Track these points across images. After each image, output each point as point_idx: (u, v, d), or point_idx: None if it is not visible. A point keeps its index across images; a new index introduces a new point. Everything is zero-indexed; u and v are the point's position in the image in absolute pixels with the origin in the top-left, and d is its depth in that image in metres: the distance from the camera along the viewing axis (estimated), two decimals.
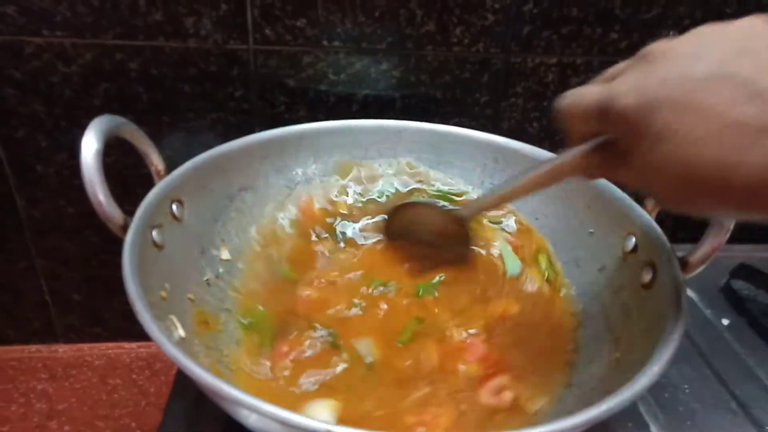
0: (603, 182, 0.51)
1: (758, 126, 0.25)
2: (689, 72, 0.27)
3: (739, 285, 0.62)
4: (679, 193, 0.28)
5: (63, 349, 0.74)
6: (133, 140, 0.45)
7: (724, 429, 0.47)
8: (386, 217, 0.56)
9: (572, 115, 0.34)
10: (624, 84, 0.30)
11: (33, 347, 0.74)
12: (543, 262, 0.53)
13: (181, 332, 0.40)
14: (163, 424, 0.47)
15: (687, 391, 0.51)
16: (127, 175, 0.63)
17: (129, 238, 0.39)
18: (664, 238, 0.44)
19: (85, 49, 0.57)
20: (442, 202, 0.57)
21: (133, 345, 0.74)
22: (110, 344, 0.74)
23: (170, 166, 0.48)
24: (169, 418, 0.47)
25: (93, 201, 0.39)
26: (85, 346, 0.74)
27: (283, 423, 0.28)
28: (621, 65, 0.33)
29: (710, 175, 0.26)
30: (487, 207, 0.51)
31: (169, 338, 0.33)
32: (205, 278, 0.48)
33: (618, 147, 0.32)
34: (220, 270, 0.50)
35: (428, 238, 0.54)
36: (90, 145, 0.39)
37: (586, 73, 0.65)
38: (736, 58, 0.26)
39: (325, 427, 0.27)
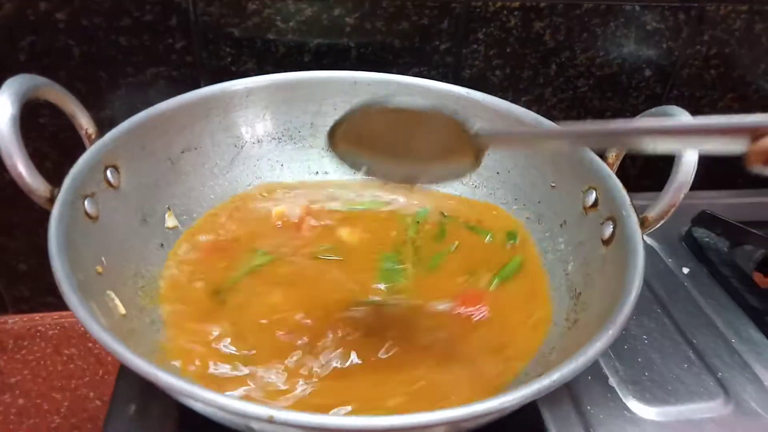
0: None
1: None
2: None
3: (699, 233, 0.62)
4: None
5: (13, 320, 0.71)
6: (57, 102, 0.41)
7: (681, 378, 0.48)
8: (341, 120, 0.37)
9: None
10: None
11: None
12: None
13: (120, 309, 0.38)
14: (115, 395, 0.45)
15: (646, 341, 0.51)
16: (62, 137, 0.59)
17: (56, 212, 0.36)
18: (624, 192, 0.42)
19: None
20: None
21: None
22: (64, 313, 0.71)
23: (111, 127, 0.45)
24: (122, 388, 0.45)
25: (12, 173, 0.36)
26: (37, 316, 0.71)
27: (224, 410, 0.26)
28: None
29: None
30: (516, 142, 0.40)
31: (98, 320, 0.30)
32: (148, 248, 0.45)
33: None
34: (167, 239, 0.47)
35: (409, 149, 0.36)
36: (4, 110, 0.35)
37: (550, 17, 0.62)
38: None
39: (267, 413, 0.26)
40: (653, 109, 0.42)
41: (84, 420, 0.63)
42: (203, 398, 0.26)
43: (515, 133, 0.40)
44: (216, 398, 0.26)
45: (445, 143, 0.35)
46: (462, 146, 0.34)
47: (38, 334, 0.70)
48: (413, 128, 0.35)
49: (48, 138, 0.59)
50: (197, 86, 0.52)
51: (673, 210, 0.39)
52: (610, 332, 0.31)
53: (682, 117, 0.38)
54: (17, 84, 0.37)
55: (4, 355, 0.67)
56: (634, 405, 0.45)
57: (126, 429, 0.42)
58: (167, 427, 0.42)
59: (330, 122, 0.56)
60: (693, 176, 0.38)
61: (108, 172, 0.43)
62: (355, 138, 0.37)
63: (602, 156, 0.46)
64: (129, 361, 0.28)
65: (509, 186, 0.53)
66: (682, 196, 0.38)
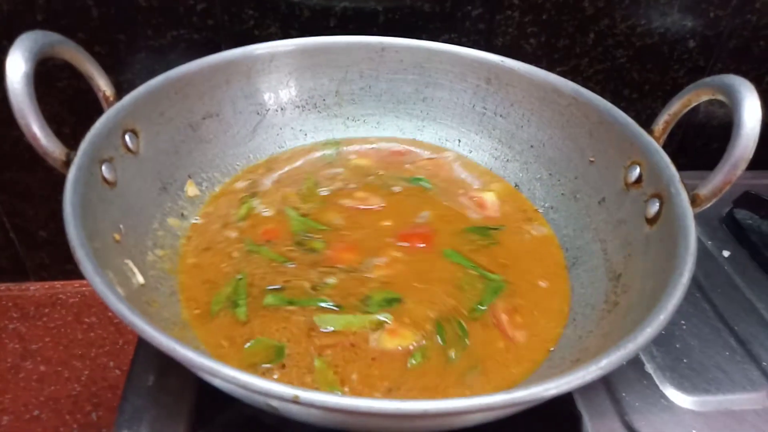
0: (607, 105, 0.46)
1: None
2: None
3: (742, 215, 0.59)
4: None
5: (35, 288, 0.70)
6: (73, 61, 0.39)
7: (721, 366, 0.45)
8: None
9: None
10: None
11: (2, 286, 0.70)
12: None
13: (139, 278, 0.37)
14: (133, 366, 0.44)
15: (684, 327, 0.48)
16: (80, 101, 0.58)
17: (72, 175, 0.35)
18: (673, 168, 0.39)
19: None
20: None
21: None
22: (84, 281, 0.71)
23: (129, 91, 0.43)
24: (141, 359, 0.44)
25: (26, 133, 0.34)
26: (58, 284, 0.71)
27: (246, 388, 0.25)
28: None
29: None
30: None
31: (114, 289, 0.29)
32: (168, 217, 0.43)
33: None
34: (187, 208, 0.45)
35: None
36: (17, 67, 0.34)
37: None
38: None
39: (291, 392, 0.24)
40: (708, 79, 0.38)
41: (104, 389, 0.63)
42: (223, 375, 0.25)
43: None
44: (237, 375, 0.25)
45: None
46: None
47: (59, 301, 0.70)
48: None
49: (66, 102, 0.58)
50: (218, 51, 0.49)
51: (727, 188, 0.36)
52: (661, 317, 0.29)
53: (743, 89, 0.35)
54: (31, 41, 0.35)
55: (26, 321, 0.67)
56: (671, 393, 0.43)
57: (144, 401, 0.41)
58: (186, 400, 0.41)
59: (356, 90, 0.55)
60: (753, 151, 0.35)
61: (126, 137, 0.41)
62: None
63: (647, 128, 0.43)
64: (145, 332, 0.26)
65: (544, 160, 0.51)
66: (740, 172, 0.35)
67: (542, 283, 0.44)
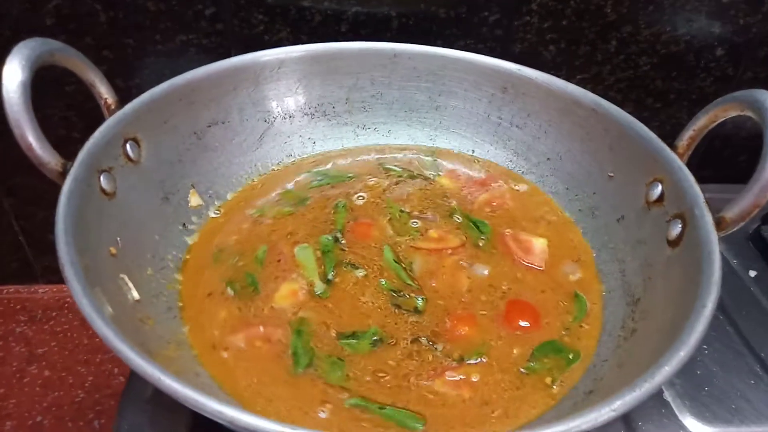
0: (629, 118, 0.44)
1: None
2: None
3: None
4: None
5: (43, 290, 0.70)
6: (74, 69, 0.38)
7: (745, 394, 0.43)
8: None
9: None
10: None
11: (11, 288, 0.70)
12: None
13: (134, 294, 0.35)
14: (132, 376, 0.43)
15: (706, 352, 0.46)
16: (90, 106, 0.57)
17: (66, 187, 0.34)
18: (697, 187, 0.37)
19: None
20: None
21: None
22: None
23: (138, 96, 0.42)
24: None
25: (21, 143, 0.34)
26: (66, 287, 0.70)
27: (232, 424, 0.23)
28: None
29: None
30: None
31: (104, 311, 0.28)
32: (169, 229, 0.42)
33: None
34: (189, 219, 0.44)
35: None
36: (13, 76, 0.33)
37: None
38: None
39: (279, 430, 0.23)
40: (737, 93, 0.36)
41: (107, 396, 0.62)
42: (209, 409, 0.23)
43: None
44: (222, 410, 0.23)
45: None
46: None
47: (66, 305, 0.69)
48: None
49: (74, 106, 0.57)
50: (228, 56, 0.49)
51: (756, 211, 0.33)
52: (682, 354, 0.27)
53: None
54: (29, 48, 0.34)
55: (33, 325, 0.67)
56: (691, 423, 0.41)
57: (140, 418, 0.40)
58: (182, 419, 0.40)
59: (367, 97, 0.53)
60: None
61: (127, 146, 0.40)
62: None
63: (670, 144, 0.41)
64: (131, 361, 0.25)
65: (561, 174, 0.48)
66: None
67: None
